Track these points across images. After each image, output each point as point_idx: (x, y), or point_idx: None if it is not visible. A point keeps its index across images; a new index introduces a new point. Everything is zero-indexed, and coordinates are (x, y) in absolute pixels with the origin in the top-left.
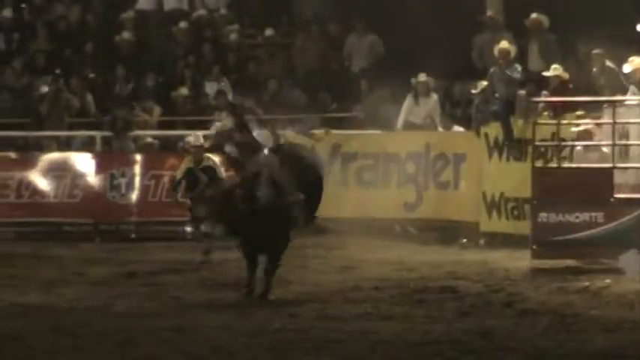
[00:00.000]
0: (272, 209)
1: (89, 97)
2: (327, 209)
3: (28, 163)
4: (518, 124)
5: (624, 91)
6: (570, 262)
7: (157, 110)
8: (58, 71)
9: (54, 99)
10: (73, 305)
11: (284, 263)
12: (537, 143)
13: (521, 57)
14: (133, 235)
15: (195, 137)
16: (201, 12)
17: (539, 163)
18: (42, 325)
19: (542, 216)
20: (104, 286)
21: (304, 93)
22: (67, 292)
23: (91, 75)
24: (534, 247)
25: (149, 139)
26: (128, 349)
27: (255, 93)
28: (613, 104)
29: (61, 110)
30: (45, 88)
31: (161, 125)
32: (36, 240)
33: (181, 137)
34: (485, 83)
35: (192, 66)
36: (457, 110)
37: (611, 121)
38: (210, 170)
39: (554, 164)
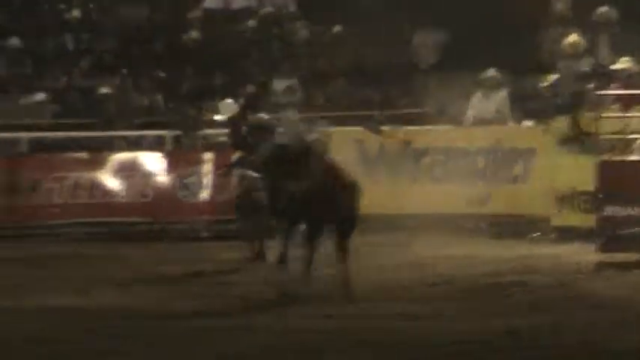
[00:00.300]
0: None
1: (158, 97)
2: (398, 205)
3: (99, 164)
4: (586, 117)
5: None
6: None
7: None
8: (124, 71)
9: (121, 99)
10: (143, 305)
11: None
12: (603, 137)
13: (590, 50)
14: (204, 234)
15: None
16: (269, 9)
17: (604, 157)
18: (112, 324)
19: (608, 209)
20: (173, 285)
21: (373, 89)
22: (138, 291)
23: (160, 74)
24: (600, 240)
25: (223, 138)
26: (197, 346)
27: (324, 90)
28: None
29: (129, 110)
30: (106, 90)
31: None
32: (107, 240)
33: None
34: (554, 77)
35: (261, 64)
36: (526, 104)
37: None
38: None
39: (620, 157)
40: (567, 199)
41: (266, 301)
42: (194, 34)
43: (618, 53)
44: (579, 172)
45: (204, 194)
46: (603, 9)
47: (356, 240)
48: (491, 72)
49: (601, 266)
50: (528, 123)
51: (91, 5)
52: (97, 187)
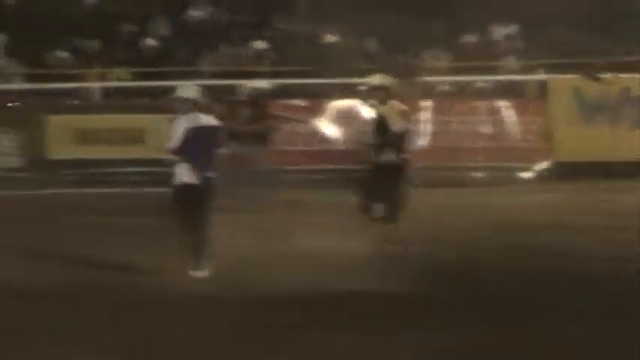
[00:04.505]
0: None
1: (373, 43)
2: (616, 152)
3: (317, 111)
4: None
5: None
6: None
7: (447, 56)
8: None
9: (341, 47)
10: (367, 251)
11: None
12: None
13: None
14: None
15: None
16: None
17: None
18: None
19: None
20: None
21: (592, 37)
22: (359, 237)
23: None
24: None
25: (446, 87)
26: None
27: (542, 37)
28: None
29: (347, 57)
30: (332, 37)
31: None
32: (325, 187)
33: (470, 83)
34: None
35: (481, 11)
36: None
37: None
38: None
39: None
40: None
41: None
42: None
43: None
44: None
45: (423, 141)
46: None
47: (573, 185)
48: None
49: None
50: None
51: None
52: (315, 135)
